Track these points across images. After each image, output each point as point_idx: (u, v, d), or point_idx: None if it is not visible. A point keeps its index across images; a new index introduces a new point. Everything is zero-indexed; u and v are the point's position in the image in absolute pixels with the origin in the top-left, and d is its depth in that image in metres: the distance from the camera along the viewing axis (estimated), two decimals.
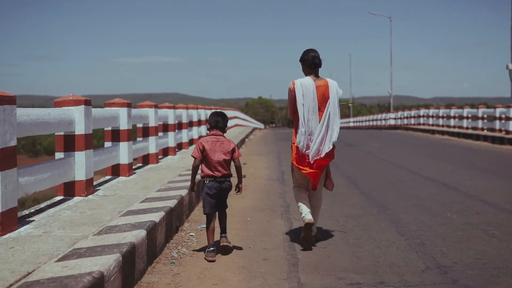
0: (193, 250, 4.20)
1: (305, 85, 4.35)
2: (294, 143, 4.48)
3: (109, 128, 6.52)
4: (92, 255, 2.97)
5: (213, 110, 17.20)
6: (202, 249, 4.19)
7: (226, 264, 3.83)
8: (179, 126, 10.77)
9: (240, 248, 4.29)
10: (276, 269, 3.70)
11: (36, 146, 60.68)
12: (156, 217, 4.05)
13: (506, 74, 19.83)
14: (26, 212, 4.32)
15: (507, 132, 16.41)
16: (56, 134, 4.98)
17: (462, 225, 4.95)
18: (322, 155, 4.39)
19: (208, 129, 4.21)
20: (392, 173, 8.84)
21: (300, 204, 4.46)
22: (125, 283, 3.07)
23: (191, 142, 11.78)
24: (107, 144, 6.56)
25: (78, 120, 4.98)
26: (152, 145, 7.94)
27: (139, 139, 7.91)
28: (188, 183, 4.67)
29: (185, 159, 8.76)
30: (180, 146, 10.70)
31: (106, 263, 2.81)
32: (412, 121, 28.62)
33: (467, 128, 20.68)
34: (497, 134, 17.09)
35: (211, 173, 4.06)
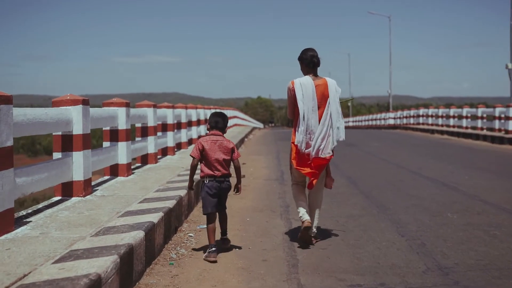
0: (192, 250, 4.16)
1: (304, 84, 4.34)
2: (293, 142, 4.46)
3: (108, 128, 6.48)
4: (89, 256, 2.93)
5: (213, 111, 17.17)
6: (201, 250, 4.15)
7: (226, 265, 3.79)
8: (178, 125, 10.73)
9: (239, 248, 4.27)
10: (275, 270, 3.67)
11: (36, 146, 60.63)
12: (155, 218, 4.01)
13: (506, 74, 19.82)
14: (23, 212, 4.28)
15: (507, 131, 16.39)
16: (54, 134, 4.94)
17: (463, 225, 4.91)
18: (322, 155, 4.37)
19: (208, 129, 4.20)
20: (392, 173, 8.81)
21: (298, 204, 4.47)
22: (123, 285, 3.03)
23: (190, 142, 11.75)
24: (106, 144, 6.52)
25: (76, 120, 4.94)
26: (151, 145, 7.90)
27: (137, 139, 7.87)
28: (187, 183, 4.65)
29: (184, 159, 8.72)
30: (179, 146, 10.66)
31: (103, 265, 2.78)
32: (412, 120, 28.60)
33: (466, 127, 20.66)
34: (496, 133, 17.07)
35: (211, 172, 4.04)
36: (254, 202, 6.32)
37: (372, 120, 39.64)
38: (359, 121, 44.93)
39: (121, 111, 6.47)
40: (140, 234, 3.51)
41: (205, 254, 3.94)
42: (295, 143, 4.42)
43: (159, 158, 8.72)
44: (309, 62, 4.39)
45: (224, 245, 4.24)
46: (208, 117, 16.56)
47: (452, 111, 22.70)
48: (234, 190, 4.24)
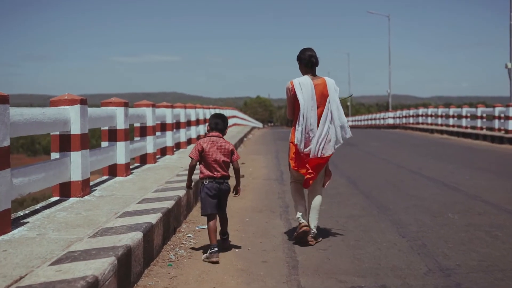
0: (191, 251, 4.12)
1: (303, 83, 4.33)
2: (292, 142, 4.43)
3: (106, 128, 6.43)
4: (86, 258, 2.89)
5: (212, 110, 17.04)
6: (200, 251, 4.12)
7: (225, 266, 3.75)
8: (177, 125, 10.68)
9: (239, 247, 4.24)
10: (275, 272, 3.62)
11: (35, 145, 60.63)
12: (153, 218, 3.97)
13: (505, 73, 19.80)
14: (20, 213, 4.24)
15: (507, 131, 16.36)
16: (51, 134, 4.90)
17: (464, 226, 4.87)
18: (321, 155, 4.35)
19: (208, 131, 4.19)
20: (392, 173, 8.77)
21: (296, 207, 4.51)
22: (121, 287, 2.99)
23: (189, 141, 11.71)
24: (104, 143, 6.48)
25: (74, 120, 4.89)
26: (149, 144, 7.86)
27: (136, 138, 7.82)
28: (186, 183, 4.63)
29: (183, 159, 8.68)
30: (178, 146, 10.62)
31: (100, 267, 2.73)
32: (411, 120, 28.58)
33: (466, 127, 20.63)
34: (496, 133, 17.04)
35: (210, 173, 4.02)
36: (254, 202, 6.28)
37: (371, 119, 39.62)
38: (359, 120, 44.92)
39: (119, 111, 6.42)
40: (138, 235, 3.47)
41: (206, 254, 3.90)
42: (295, 143, 4.39)
43: (158, 158, 8.68)
44: (308, 62, 4.38)
45: (224, 244, 4.23)
46: (207, 117, 16.49)
47: (451, 111, 22.68)
48: (233, 192, 4.22)
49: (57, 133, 4.88)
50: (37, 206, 4.51)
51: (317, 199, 4.50)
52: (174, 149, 9.93)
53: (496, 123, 17.97)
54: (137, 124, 7.88)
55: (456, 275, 3.48)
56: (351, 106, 67.82)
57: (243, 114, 39.16)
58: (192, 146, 11.53)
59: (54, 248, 3.15)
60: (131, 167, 7.30)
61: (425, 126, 24.65)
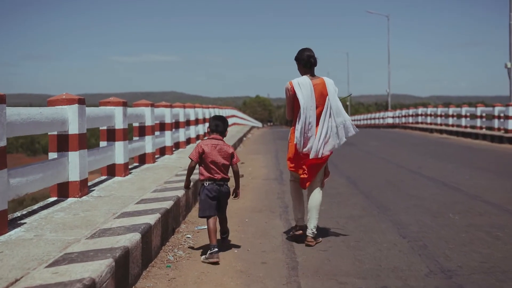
0: (190, 252, 4.08)
1: (302, 84, 4.32)
2: (291, 142, 4.41)
3: (105, 128, 6.39)
4: (83, 260, 2.85)
5: (211, 110, 16.94)
6: (199, 252, 4.08)
7: (224, 267, 3.71)
8: (176, 125, 10.64)
9: (238, 246, 4.21)
10: (275, 273, 3.59)
11: (35, 145, 60.56)
12: (152, 219, 3.93)
13: (504, 73, 19.77)
14: (18, 214, 4.20)
15: (506, 131, 16.34)
16: (49, 134, 4.86)
17: (465, 226, 4.84)
18: (320, 155, 4.33)
19: (208, 133, 4.19)
20: (392, 173, 8.74)
21: (294, 209, 4.56)
22: None
23: (188, 141, 11.67)
24: (103, 143, 6.44)
25: (72, 120, 4.85)
26: (148, 144, 7.82)
27: (135, 138, 7.78)
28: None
29: (182, 159, 8.64)
30: (177, 145, 10.58)
31: (98, 269, 2.69)
32: (410, 119, 28.54)
33: (465, 126, 20.60)
34: (496, 133, 17.01)
35: (210, 175, 4.03)
36: (253, 202, 6.24)
37: (370, 119, 39.59)
38: (358, 120, 44.87)
39: (118, 111, 6.38)
40: (136, 237, 3.43)
41: (206, 255, 3.86)
42: (294, 142, 4.38)
43: (157, 158, 8.64)
44: (306, 63, 4.37)
45: (223, 244, 4.23)
46: (206, 116, 16.41)
47: (451, 110, 22.65)
48: (233, 195, 4.23)
49: (55, 133, 4.84)
50: (35, 207, 4.47)
51: (317, 199, 4.47)
52: (173, 149, 9.88)
53: (496, 123, 17.95)
54: (136, 124, 7.84)
55: (458, 277, 3.45)
56: (350, 106, 67.77)
57: (242, 113, 39.11)
58: (191, 146, 11.49)
59: (51, 249, 3.11)
60: (129, 167, 7.25)
61: (424, 126, 24.62)
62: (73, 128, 4.86)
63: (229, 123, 23.18)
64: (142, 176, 6.51)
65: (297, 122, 4.34)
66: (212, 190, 4.01)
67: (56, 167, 4.63)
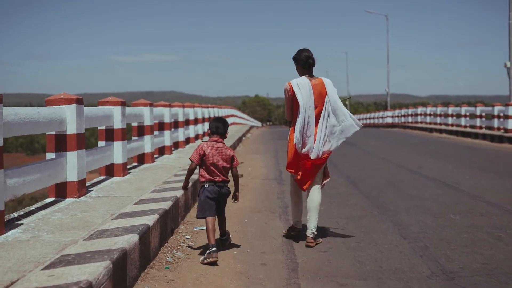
0: (189, 253, 4.04)
1: (301, 84, 4.33)
2: (290, 143, 4.39)
3: (103, 127, 6.35)
4: (80, 262, 2.80)
5: (211, 111, 16.84)
6: (199, 253, 4.04)
7: (223, 269, 3.67)
8: (175, 124, 10.59)
9: (238, 249, 4.17)
10: (275, 275, 3.55)
11: (34, 144, 60.52)
12: (150, 220, 3.88)
13: (503, 73, 19.73)
14: (15, 214, 4.15)
15: (506, 130, 16.31)
16: (47, 133, 4.81)
17: (467, 227, 4.80)
18: (321, 154, 4.33)
19: (208, 135, 4.20)
20: (392, 173, 8.70)
21: (292, 206, 4.59)
22: None
23: (187, 141, 11.62)
24: (101, 143, 6.39)
25: (70, 119, 4.80)
26: (147, 144, 7.77)
27: (134, 138, 7.73)
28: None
29: (181, 158, 8.59)
30: (176, 145, 10.53)
31: (95, 271, 2.65)
32: (410, 119, 28.51)
33: (465, 126, 20.56)
34: (495, 132, 16.98)
35: (211, 177, 4.04)
36: (253, 202, 6.20)
37: (370, 118, 39.55)
38: (357, 119, 44.79)
39: (116, 110, 6.33)
40: (134, 238, 3.38)
41: (204, 256, 3.82)
42: (294, 142, 4.36)
43: (156, 158, 8.59)
44: (305, 63, 4.38)
45: (223, 245, 4.21)
46: (205, 116, 16.33)
47: (450, 110, 22.61)
48: (232, 198, 4.23)
49: (53, 132, 4.79)
50: (32, 207, 4.43)
51: (316, 199, 4.43)
52: (172, 149, 9.84)
53: (496, 122, 17.91)
54: (134, 124, 7.79)
55: (460, 279, 3.41)
56: (350, 105, 67.73)
57: (241, 113, 39.05)
58: (190, 145, 11.44)
59: (48, 251, 3.07)
60: (128, 166, 7.21)
61: (424, 125, 24.58)
62: (71, 128, 4.81)
63: (228, 122, 23.24)
64: (140, 176, 6.47)
65: (296, 122, 4.32)
66: (212, 191, 4.02)
67: (54, 167, 4.58)
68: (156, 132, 8.98)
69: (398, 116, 31.47)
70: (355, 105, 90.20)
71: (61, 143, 4.82)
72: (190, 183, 4.30)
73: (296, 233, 4.53)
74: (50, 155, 4.83)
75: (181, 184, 5.52)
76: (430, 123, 25.03)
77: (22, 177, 3.99)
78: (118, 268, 2.96)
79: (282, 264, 3.79)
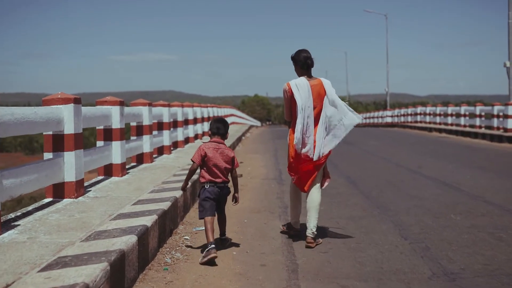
0: (188, 254, 4.00)
1: (300, 85, 4.33)
2: (291, 144, 4.37)
3: (101, 127, 6.30)
4: (77, 264, 2.77)
5: (210, 111, 16.80)
6: (198, 253, 4.00)
7: (222, 270, 3.63)
8: (174, 124, 10.55)
9: (237, 250, 4.13)
10: (274, 276, 3.51)
11: (33, 144, 60.44)
12: (148, 221, 3.84)
13: (502, 72, 19.68)
14: (12, 215, 4.11)
15: (506, 130, 16.28)
16: (44, 133, 4.77)
17: (467, 227, 4.76)
18: (322, 154, 4.31)
19: (209, 135, 4.21)
20: (392, 172, 8.67)
21: (291, 207, 4.60)
22: None
23: (186, 140, 11.58)
24: (99, 143, 6.35)
25: (67, 119, 4.76)
26: (146, 144, 7.73)
27: (133, 138, 7.69)
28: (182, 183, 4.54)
29: (180, 158, 8.56)
30: (175, 145, 10.50)
31: (92, 273, 2.61)
32: (409, 118, 28.48)
33: (464, 126, 20.53)
34: (495, 132, 16.95)
35: (212, 178, 4.04)
36: (252, 202, 6.16)
37: (369, 118, 39.52)
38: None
39: (114, 110, 6.29)
40: (132, 239, 3.34)
41: (203, 254, 3.79)
42: (294, 142, 4.34)
43: (155, 157, 8.55)
44: (303, 64, 4.37)
45: (223, 245, 4.18)
46: (204, 116, 16.27)
47: (450, 109, 22.59)
48: (232, 201, 4.24)
49: (50, 132, 4.75)
50: (29, 208, 4.39)
51: (315, 199, 4.41)
52: (172, 148, 9.80)
53: (495, 122, 17.88)
54: (133, 123, 7.75)
55: (462, 280, 3.37)
56: (349, 105, 67.56)
57: (241, 112, 39.01)
58: (189, 145, 11.40)
59: (45, 253, 3.03)
60: (127, 166, 7.17)
61: (423, 125, 24.55)
62: (69, 128, 4.77)
63: (228, 122, 23.29)
64: (139, 176, 6.43)
65: (296, 123, 4.31)
66: (213, 192, 4.04)
67: (51, 168, 4.54)
68: (155, 132, 8.94)
69: (397, 116, 31.44)
70: (355, 105, 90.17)
71: (58, 143, 4.78)
72: (189, 184, 4.28)
73: (294, 232, 4.54)
74: (48, 155, 4.79)
75: (180, 184, 5.49)
76: (429, 123, 25.00)
77: (19, 177, 3.95)
78: (116, 269, 2.92)
79: (282, 265, 3.75)
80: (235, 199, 4.23)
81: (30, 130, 4.19)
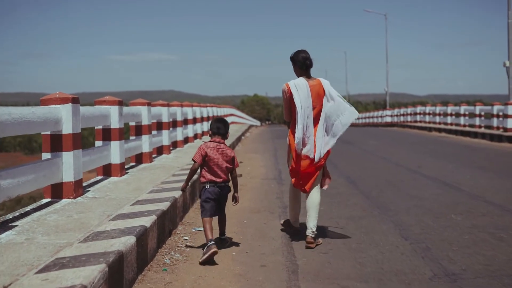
0: (187, 254, 3.97)
1: (298, 85, 4.32)
2: (291, 145, 4.35)
3: (100, 127, 6.27)
4: (75, 265, 2.74)
5: (209, 110, 16.78)
6: (197, 254, 3.97)
7: (222, 271, 3.60)
8: (174, 124, 10.53)
9: (237, 250, 4.11)
10: (274, 277, 3.48)
11: (32, 144, 60.38)
12: (147, 221, 3.81)
13: (502, 72, 19.65)
14: (9, 216, 4.08)
15: (505, 129, 16.26)
16: (42, 133, 4.74)
17: (468, 228, 4.74)
18: (323, 154, 4.29)
19: (209, 135, 4.21)
20: (392, 172, 8.64)
21: (290, 207, 4.60)
22: None
23: (186, 140, 11.55)
24: (98, 143, 6.32)
25: (66, 119, 4.73)
26: (145, 144, 7.70)
27: (132, 137, 7.66)
28: (182, 184, 4.51)
29: (180, 158, 8.53)
30: (175, 145, 10.47)
31: (90, 275, 2.58)
32: (409, 118, 28.46)
33: (464, 125, 20.52)
34: (495, 131, 16.93)
35: (213, 178, 4.04)
36: (252, 202, 6.14)
37: (369, 118, 39.50)
38: (356, 119, 44.72)
39: (113, 110, 6.26)
40: (131, 240, 3.32)
41: (204, 251, 3.77)
42: (295, 142, 4.32)
43: (154, 157, 8.52)
44: (302, 65, 4.37)
45: (222, 245, 4.17)
46: (204, 115, 16.25)
47: (449, 109, 22.57)
48: (232, 201, 4.23)
49: (48, 132, 4.72)
50: (27, 208, 4.36)
51: (315, 198, 4.39)
52: (171, 148, 9.77)
53: (495, 121, 17.87)
54: (132, 123, 7.72)
55: (463, 281, 3.34)
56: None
57: (240, 112, 38.98)
58: (189, 145, 11.37)
59: (42, 254, 3.00)
60: (126, 166, 7.14)
61: (423, 124, 24.54)
62: (67, 128, 4.74)
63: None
64: (138, 176, 6.40)
65: (296, 124, 4.28)
66: (213, 192, 4.04)
67: (50, 168, 4.51)
68: (154, 132, 8.91)
69: (397, 115, 31.42)
70: (354, 104, 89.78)
71: (56, 143, 4.75)
72: (189, 184, 4.26)
73: (294, 231, 4.55)
74: (46, 155, 4.76)
75: (179, 184, 5.47)
76: (429, 122, 24.98)
77: (16, 178, 3.92)
78: (114, 271, 2.89)
79: (282, 266, 3.72)
80: (235, 199, 4.23)
81: (28, 130, 4.16)
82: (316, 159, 4.30)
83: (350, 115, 4.34)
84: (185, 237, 4.53)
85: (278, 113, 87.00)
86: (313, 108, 4.29)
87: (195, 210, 5.65)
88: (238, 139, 16.43)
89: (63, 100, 4.74)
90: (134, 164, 7.66)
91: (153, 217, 3.96)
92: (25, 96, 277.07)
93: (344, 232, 4.64)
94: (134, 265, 3.31)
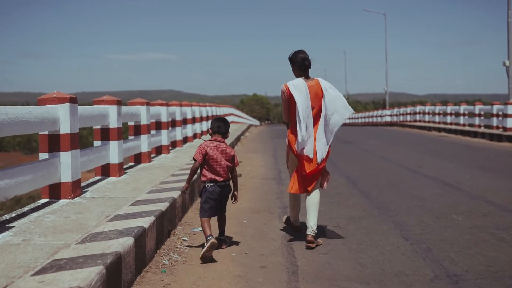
0: (186, 255, 3.93)
1: (297, 86, 4.30)
2: (292, 145, 4.32)
3: (98, 127, 6.24)
4: (72, 267, 2.70)
5: (209, 110, 16.75)
6: (196, 256, 3.93)
7: (221, 272, 3.57)
8: (173, 123, 10.49)
9: (236, 251, 4.07)
10: (274, 278, 3.45)
11: (32, 143, 60.33)
12: (146, 222, 3.78)
13: (501, 71, 19.66)
14: (6, 217, 4.05)
15: (505, 129, 16.23)
16: (40, 133, 4.70)
17: (469, 228, 4.70)
18: (324, 155, 4.27)
19: (210, 134, 4.21)
20: (392, 172, 8.61)
21: (290, 206, 4.61)
22: None
23: (185, 140, 11.52)
24: (96, 143, 6.28)
25: (63, 119, 4.69)
26: (144, 143, 7.67)
27: (130, 137, 7.62)
28: (182, 184, 4.50)
29: (179, 158, 8.49)
30: (174, 144, 10.43)
31: (87, 277, 2.54)
32: (408, 118, 28.44)
33: (464, 125, 20.49)
34: (494, 131, 16.90)
35: (213, 177, 4.03)
36: (251, 202, 6.10)
37: (368, 117, 39.47)
38: (356, 118, 44.76)
39: (112, 109, 6.22)
40: (129, 241, 3.28)
41: (203, 248, 3.74)
42: (295, 144, 4.30)
43: (153, 157, 8.49)
44: (301, 65, 4.35)
45: (222, 246, 4.15)
46: (203, 115, 16.23)
47: (449, 109, 22.54)
48: (232, 199, 4.21)
49: (46, 132, 4.68)
50: (25, 209, 4.32)
51: (315, 198, 4.36)
52: (170, 148, 9.73)
53: (495, 121, 17.84)
54: (131, 123, 7.68)
55: (464, 282, 3.31)
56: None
57: (240, 111, 38.93)
58: (188, 144, 11.33)
59: (39, 255, 2.96)
60: (125, 166, 7.10)
61: (422, 124, 24.51)
62: (65, 128, 4.70)
63: None
64: (137, 176, 6.36)
65: (296, 124, 4.25)
66: (214, 192, 4.04)
67: (47, 168, 4.48)
68: (153, 131, 8.87)
69: (396, 115, 31.40)
70: (353, 104, 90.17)
71: (54, 143, 4.71)
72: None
73: (294, 229, 4.58)
74: (43, 156, 4.73)
75: (178, 185, 5.44)
76: (428, 122, 24.96)
77: (13, 178, 3.89)
78: (112, 272, 2.85)
79: (281, 267, 3.69)
80: (234, 197, 4.21)
81: (25, 130, 4.12)
82: (319, 160, 4.27)
83: (345, 110, 4.31)
84: (184, 238, 4.49)
85: (278, 112, 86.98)
86: (312, 109, 4.28)
87: (194, 210, 5.61)
88: (238, 139, 16.39)
89: (60, 100, 4.70)
90: (132, 164, 7.62)
91: (152, 218, 3.93)
92: (24, 95, 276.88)
93: (344, 233, 4.61)
94: (132, 267, 3.28)
